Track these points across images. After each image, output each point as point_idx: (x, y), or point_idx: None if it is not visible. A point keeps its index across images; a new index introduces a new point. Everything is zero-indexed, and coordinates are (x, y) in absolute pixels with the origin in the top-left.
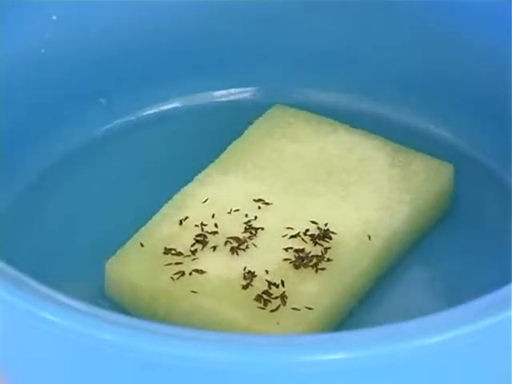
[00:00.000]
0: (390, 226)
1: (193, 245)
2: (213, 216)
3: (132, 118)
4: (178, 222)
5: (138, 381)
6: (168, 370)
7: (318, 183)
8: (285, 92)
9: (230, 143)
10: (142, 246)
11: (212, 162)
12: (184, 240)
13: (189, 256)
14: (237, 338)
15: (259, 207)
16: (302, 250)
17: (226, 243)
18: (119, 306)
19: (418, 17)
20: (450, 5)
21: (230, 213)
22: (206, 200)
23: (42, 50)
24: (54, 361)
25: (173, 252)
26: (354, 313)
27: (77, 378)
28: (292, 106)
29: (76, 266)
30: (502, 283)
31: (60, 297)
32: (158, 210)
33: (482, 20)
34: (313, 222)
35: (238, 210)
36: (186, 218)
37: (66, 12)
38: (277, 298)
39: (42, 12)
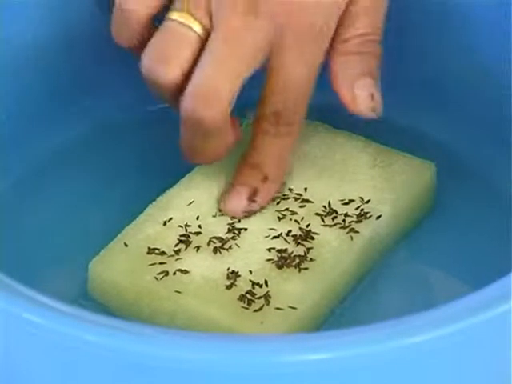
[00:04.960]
0: (372, 225)
1: (176, 245)
2: (197, 218)
3: (117, 119)
4: (162, 223)
5: (121, 381)
6: (151, 370)
7: (301, 184)
8: None
9: None
10: (125, 245)
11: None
12: (168, 240)
13: (172, 256)
14: (220, 338)
15: None
16: (285, 250)
17: (209, 243)
18: (102, 306)
19: (410, 19)
20: (445, 10)
21: (214, 216)
22: (191, 202)
23: (28, 49)
24: (37, 362)
25: (156, 252)
26: (337, 312)
27: (60, 379)
28: None
29: (59, 267)
30: (486, 281)
31: (42, 298)
32: (143, 211)
33: (475, 25)
34: (296, 221)
35: (221, 212)
36: (170, 219)
37: (51, 11)
38: (260, 297)
39: (26, 11)
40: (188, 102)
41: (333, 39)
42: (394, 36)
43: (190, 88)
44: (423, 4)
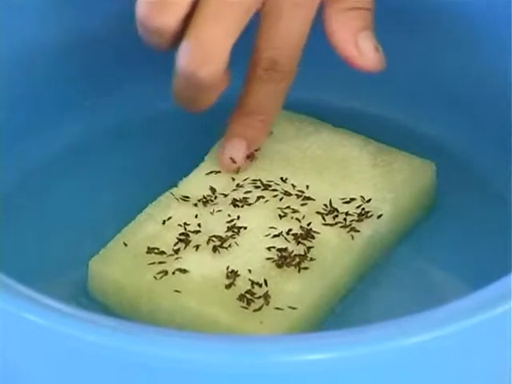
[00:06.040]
0: (372, 224)
1: (175, 244)
2: (196, 216)
3: (118, 120)
4: (161, 222)
5: (121, 381)
6: (151, 370)
7: (302, 181)
8: None
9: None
10: (125, 245)
11: (196, 163)
12: (167, 239)
13: (172, 255)
14: (220, 338)
15: (242, 207)
16: (285, 249)
17: (208, 242)
18: (102, 305)
19: (408, 18)
20: (445, 11)
21: (212, 213)
22: (189, 200)
23: (32, 50)
24: (37, 362)
25: (156, 251)
26: (337, 311)
27: (60, 379)
28: None
29: (59, 267)
30: (486, 281)
31: (42, 298)
32: (142, 211)
33: (475, 25)
34: (297, 220)
35: (220, 211)
36: (170, 218)
37: (49, 13)
38: (260, 297)
39: (25, 13)
40: (185, 58)
41: None
42: (394, 37)
43: (188, 43)
44: (422, 4)
